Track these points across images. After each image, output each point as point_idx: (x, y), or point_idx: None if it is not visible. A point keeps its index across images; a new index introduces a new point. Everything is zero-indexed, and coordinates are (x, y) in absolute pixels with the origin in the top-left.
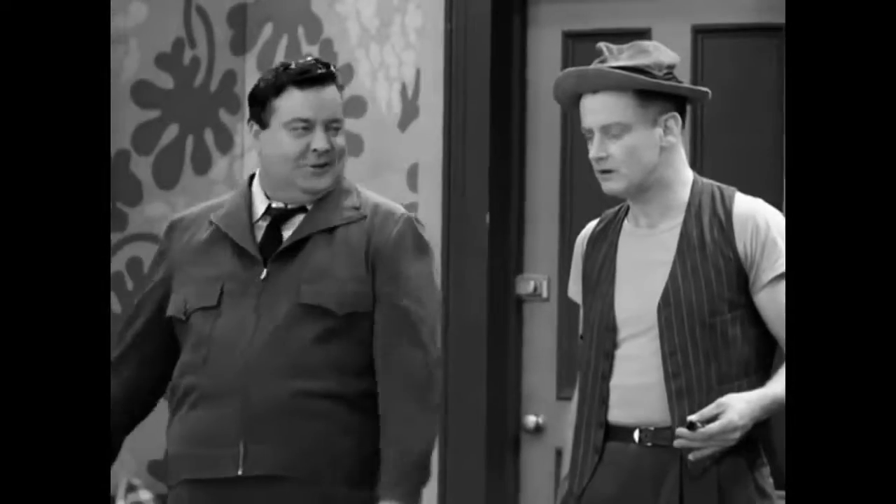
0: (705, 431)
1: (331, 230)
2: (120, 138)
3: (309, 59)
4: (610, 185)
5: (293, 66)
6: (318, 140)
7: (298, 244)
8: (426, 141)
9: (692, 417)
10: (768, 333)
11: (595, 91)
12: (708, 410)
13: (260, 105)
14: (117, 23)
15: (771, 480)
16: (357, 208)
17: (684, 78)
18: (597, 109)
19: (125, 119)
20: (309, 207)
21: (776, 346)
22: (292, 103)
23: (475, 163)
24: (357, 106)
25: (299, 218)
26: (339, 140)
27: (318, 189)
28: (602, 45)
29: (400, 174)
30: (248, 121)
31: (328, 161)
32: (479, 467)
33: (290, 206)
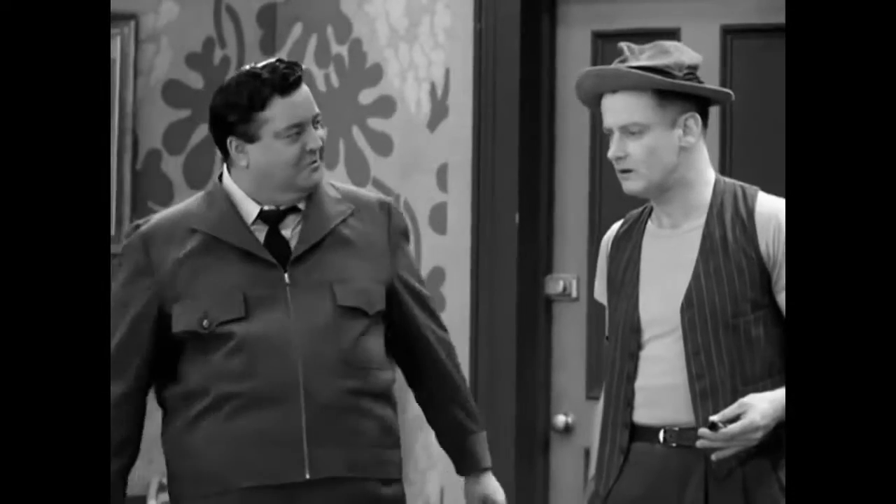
0: (727, 432)
1: (335, 228)
2: (151, 138)
3: (273, 62)
4: (629, 185)
5: (264, 74)
6: (313, 139)
7: (312, 246)
8: (455, 141)
9: (714, 418)
10: None
11: (614, 91)
12: (730, 410)
13: (243, 121)
14: (148, 22)
15: None
16: (340, 200)
17: (713, 78)
18: (616, 109)
19: (156, 118)
20: (301, 206)
21: None
22: (281, 112)
23: (504, 162)
24: (386, 106)
25: (292, 217)
26: (323, 132)
27: (316, 184)
28: (623, 44)
29: (429, 174)
30: (224, 139)
31: (320, 156)
32: (508, 467)
33: (282, 208)
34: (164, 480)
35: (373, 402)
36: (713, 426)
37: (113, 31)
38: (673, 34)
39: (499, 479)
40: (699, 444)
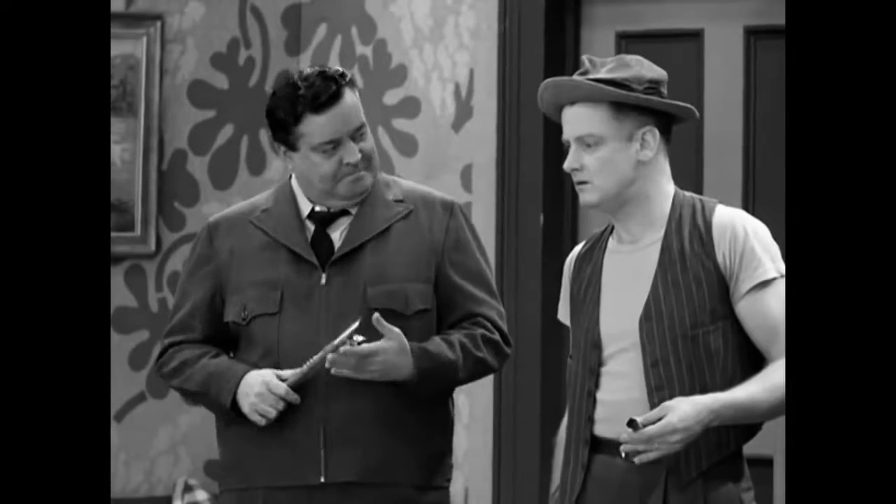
0: (645, 432)
1: (385, 230)
2: (177, 138)
3: (315, 74)
4: (585, 197)
5: (302, 90)
6: (349, 154)
7: (354, 248)
8: (480, 141)
9: (637, 417)
10: (753, 344)
11: (572, 103)
12: (653, 413)
13: (283, 131)
14: (174, 23)
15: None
16: (401, 200)
17: (737, 79)
18: (573, 121)
19: (182, 119)
20: (352, 211)
21: (763, 357)
22: (315, 128)
23: (529, 163)
24: (411, 106)
25: (344, 220)
26: (367, 144)
27: (361, 192)
28: (585, 57)
29: (454, 174)
30: (274, 142)
31: (364, 167)
32: (533, 465)
33: (332, 210)
34: (190, 481)
35: (402, 409)
36: (633, 424)
37: (139, 31)
38: (696, 35)
39: (524, 475)
40: (622, 448)
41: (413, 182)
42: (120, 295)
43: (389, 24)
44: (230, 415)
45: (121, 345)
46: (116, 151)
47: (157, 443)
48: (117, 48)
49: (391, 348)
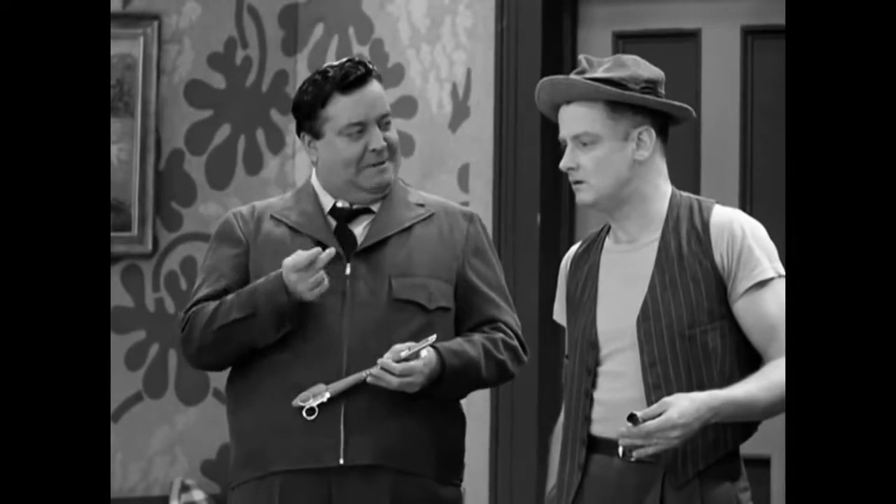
0: (644, 427)
1: (407, 228)
2: (174, 138)
3: (344, 60)
4: (581, 196)
5: (331, 72)
6: (375, 139)
7: (378, 242)
8: (477, 141)
9: (636, 412)
10: (750, 344)
11: (568, 102)
12: (653, 408)
13: (308, 117)
14: (171, 22)
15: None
16: (422, 205)
17: (734, 79)
18: (568, 120)
19: (179, 119)
20: (375, 208)
21: (760, 356)
22: (342, 110)
23: (526, 163)
24: (408, 106)
25: (366, 217)
26: (392, 134)
27: (384, 185)
28: (582, 56)
29: (451, 174)
30: (299, 133)
31: (387, 157)
32: (530, 465)
33: (355, 207)
34: (187, 481)
35: (422, 401)
36: (632, 418)
37: (136, 31)
38: (693, 35)
39: (521, 475)
40: (621, 441)
41: (414, 184)
42: (117, 295)
43: (386, 24)
44: (288, 317)
45: (117, 345)
46: (113, 151)
47: (153, 443)
48: (114, 48)
49: (427, 368)
